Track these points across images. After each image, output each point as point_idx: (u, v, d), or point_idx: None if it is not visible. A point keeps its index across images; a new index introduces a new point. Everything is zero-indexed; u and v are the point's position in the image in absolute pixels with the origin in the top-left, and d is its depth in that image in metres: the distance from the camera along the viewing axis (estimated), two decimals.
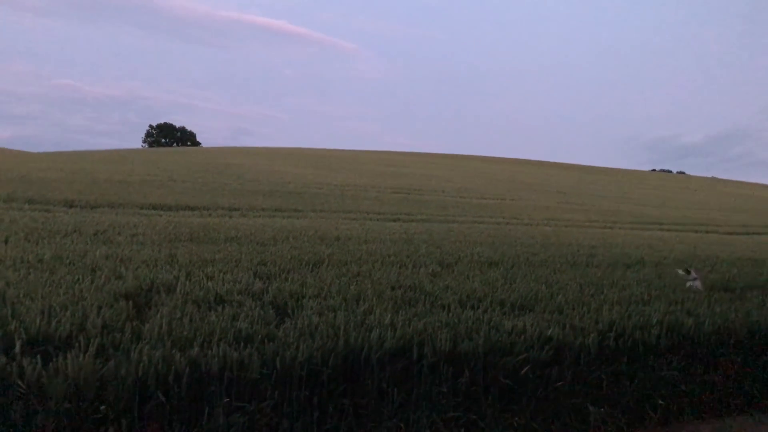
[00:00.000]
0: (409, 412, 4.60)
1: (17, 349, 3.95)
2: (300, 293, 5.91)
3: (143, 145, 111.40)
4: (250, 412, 4.14)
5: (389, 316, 5.21)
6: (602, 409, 5.24)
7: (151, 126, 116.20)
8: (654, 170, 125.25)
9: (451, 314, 5.53)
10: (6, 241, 7.88)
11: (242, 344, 4.39)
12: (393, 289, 6.37)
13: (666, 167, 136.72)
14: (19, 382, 3.70)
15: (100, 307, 4.83)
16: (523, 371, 4.94)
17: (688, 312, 6.38)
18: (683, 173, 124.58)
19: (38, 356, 3.87)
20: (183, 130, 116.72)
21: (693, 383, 5.79)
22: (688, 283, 7.88)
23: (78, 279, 5.77)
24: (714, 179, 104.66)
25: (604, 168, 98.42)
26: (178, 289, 5.67)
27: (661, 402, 5.51)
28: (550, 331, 5.28)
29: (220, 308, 5.17)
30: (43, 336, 4.25)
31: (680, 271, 8.44)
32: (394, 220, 17.42)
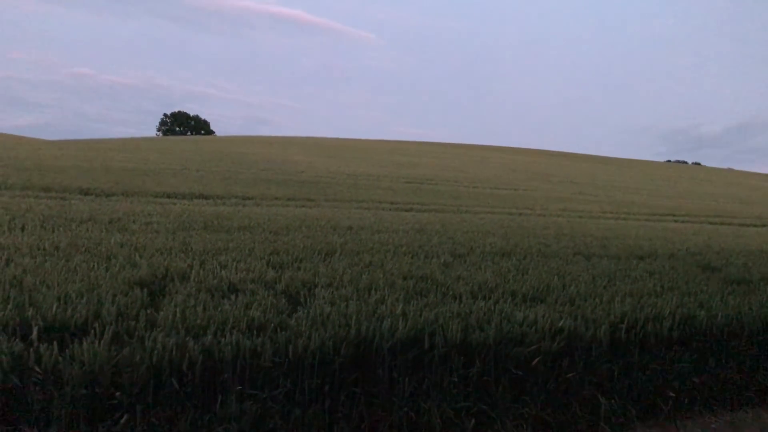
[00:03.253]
0: (420, 402, 4.63)
1: (34, 335, 4.01)
2: (312, 282, 5.94)
3: (157, 133, 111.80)
4: (262, 399, 4.19)
5: (401, 306, 5.23)
6: (613, 401, 5.24)
7: (165, 114, 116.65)
8: (669, 161, 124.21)
9: (462, 305, 5.54)
10: (22, 229, 7.97)
11: (255, 332, 4.43)
12: (405, 279, 6.38)
13: (682, 158, 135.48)
14: (37, 368, 3.76)
15: (115, 295, 4.89)
16: (534, 362, 4.95)
17: (700, 304, 6.35)
18: (699, 164, 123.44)
19: (55, 343, 3.92)
20: (197, 118, 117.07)
21: (705, 376, 5.78)
22: None
23: (93, 267, 5.83)
24: (730, 170, 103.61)
25: (618, 159, 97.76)
26: (191, 278, 5.72)
27: (672, 394, 5.50)
28: (561, 323, 5.28)
29: (233, 297, 5.21)
30: (59, 323, 4.31)
31: None
32: (407, 210, 17.41)
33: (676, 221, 21.51)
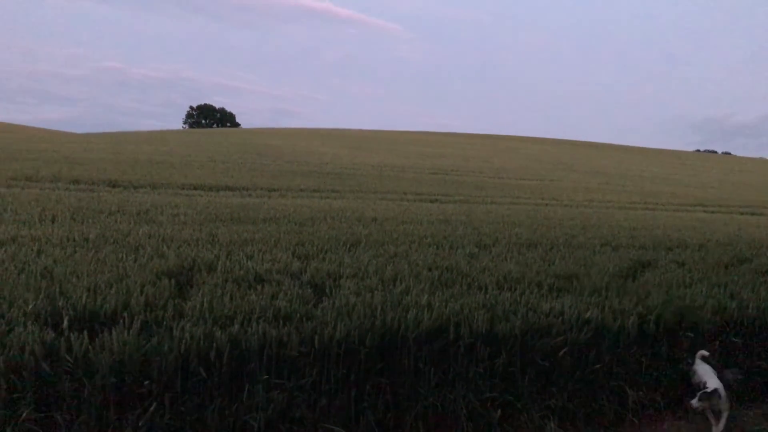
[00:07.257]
0: (445, 392, 4.63)
1: (65, 324, 4.07)
2: (337, 273, 5.95)
3: (184, 126, 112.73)
4: (288, 388, 4.22)
5: (426, 296, 5.21)
6: (641, 393, 5.19)
7: (191, 107, 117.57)
8: (698, 151, 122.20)
9: (488, 295, 5.51)
10: (53, 220, 8.09)
11: (281, 322, 4.45)
12: (430, 270, 6.36)
13: (714, 148, 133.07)
14: (68, 357, 3.82)
15: (143, 285, 4.94)
16: (560, 353, 4.92)
17: (731, 295, 6.25)
18: (729, 154, 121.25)
19: (85, 332, 3.98)
20: (223, 111, 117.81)
21: (735, 367, 5.68)
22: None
23: (122, 257, 5.90)
24: (762, 160, 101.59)
25: (646, 148, 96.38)
26: (218, 268, 5.77)
27: None
28: (588, 313, 5.24)
29: (259, 287, 5.23)
30: (89, 312, 4.37)
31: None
32: (432, 201, 17.36)
33: (705, 212, 21.16)
